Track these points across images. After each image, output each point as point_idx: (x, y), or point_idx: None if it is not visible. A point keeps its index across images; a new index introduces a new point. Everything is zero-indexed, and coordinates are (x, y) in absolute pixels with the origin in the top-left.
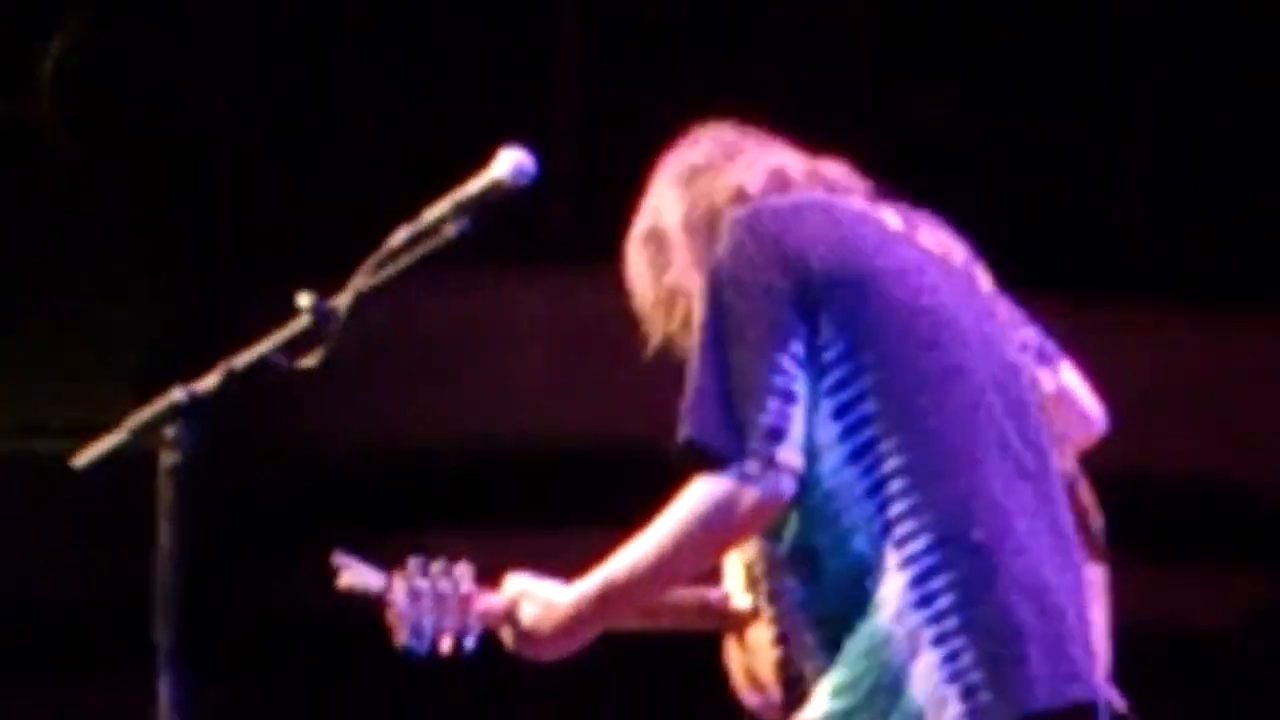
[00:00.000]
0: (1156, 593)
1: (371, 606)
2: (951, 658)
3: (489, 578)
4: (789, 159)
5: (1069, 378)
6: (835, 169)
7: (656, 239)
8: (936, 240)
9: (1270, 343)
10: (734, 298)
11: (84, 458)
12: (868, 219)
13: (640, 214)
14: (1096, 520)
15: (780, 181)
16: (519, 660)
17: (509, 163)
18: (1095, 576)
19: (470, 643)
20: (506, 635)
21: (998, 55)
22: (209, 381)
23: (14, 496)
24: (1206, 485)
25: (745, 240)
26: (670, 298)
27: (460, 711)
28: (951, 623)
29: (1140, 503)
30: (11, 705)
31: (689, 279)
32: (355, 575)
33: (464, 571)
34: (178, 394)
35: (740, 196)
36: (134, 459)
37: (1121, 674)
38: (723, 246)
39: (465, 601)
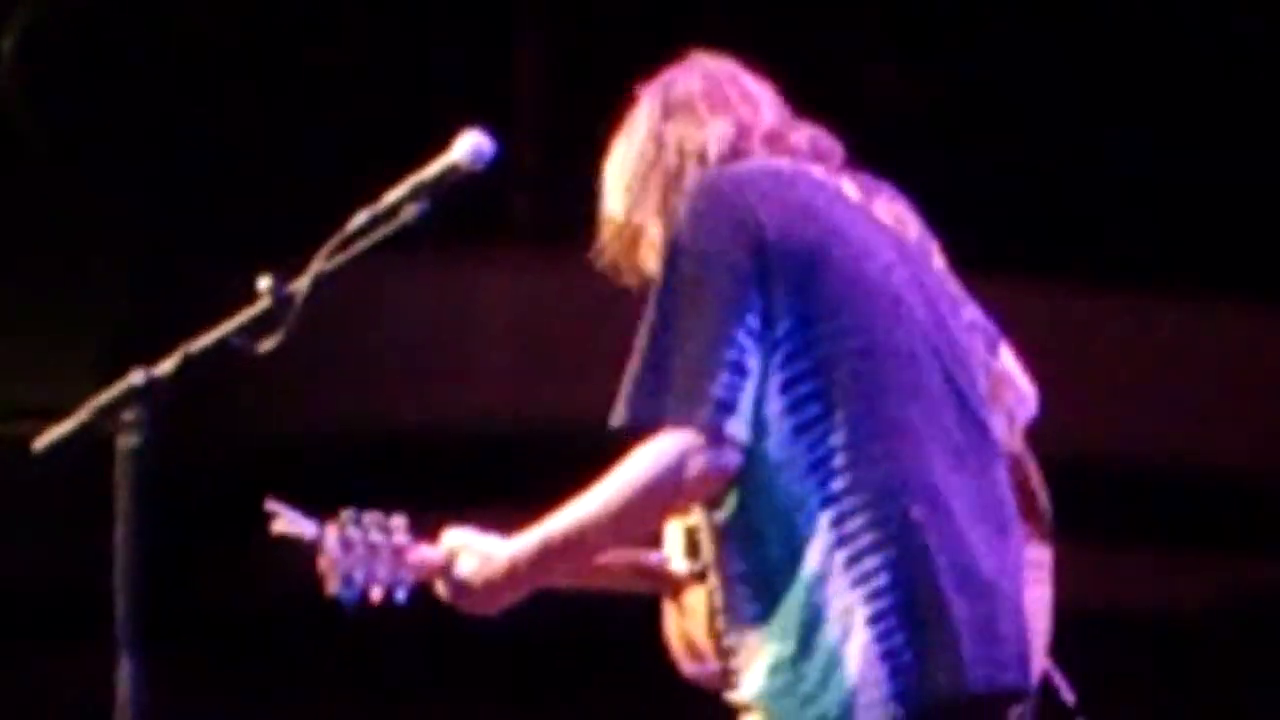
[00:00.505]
0: (1123, 577)
1: (304, 553)
2: (884, 636)
3: (428, 533)
4: (763, 117)
5: (1007, 360)
6: (806, 133)
7: (626, 166)
8: (893, 214)
9: (1237, 327)
10: (691, 266)
11: (44, 441)
12: (826, 190)
13: (620, 135)
14: (1043, 501)
15: (745, 144)
16: (455, 613)
17: (467, 145)
18: (1040, 556)
19: (401, 594)
20: (441, 587)
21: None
22: (167, 365)
23: None
24: (1175, 469)
25: (705, 208)
26: (626, 228)
27: (433, 692)
28: (885, 602)
29: (1106, 486)
30: None
31: (645, 220)
32: (288, 523)
33: (398, 523)
34: (136, 377)
35: (703, 157)
36: (98, 442)
37: (1086, 659)
38: (682, 212)
39: (398, 553)
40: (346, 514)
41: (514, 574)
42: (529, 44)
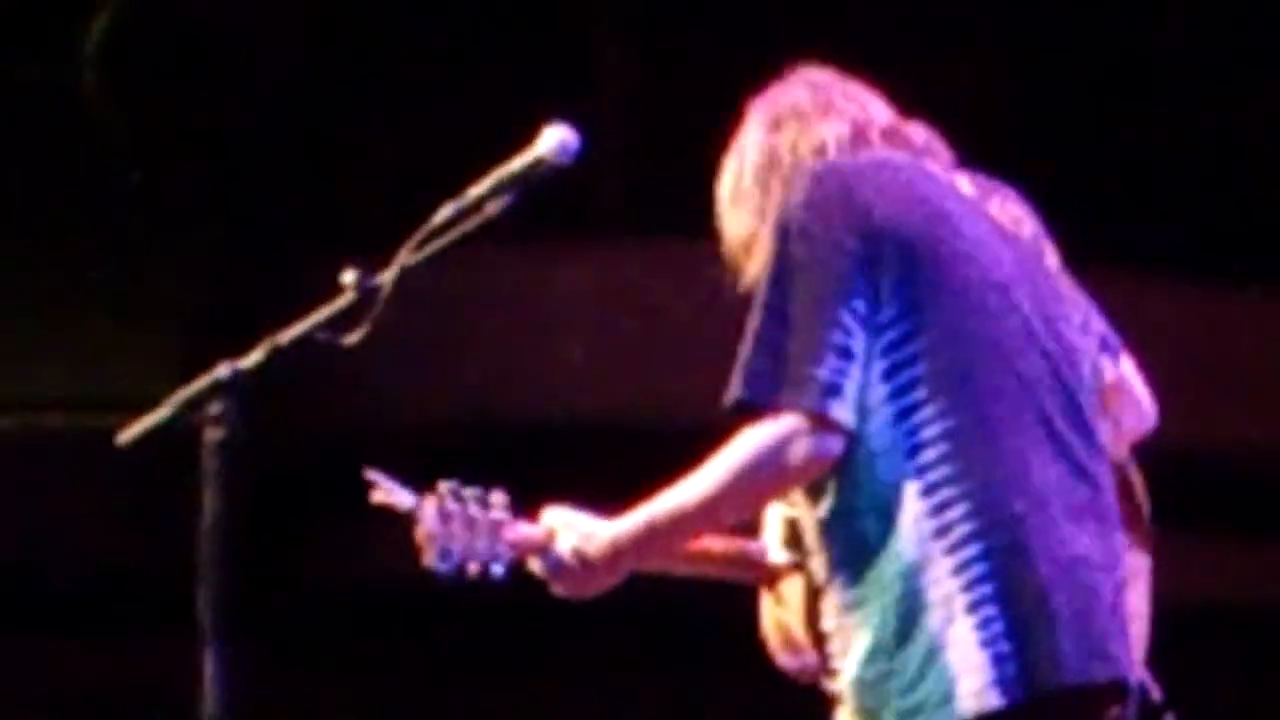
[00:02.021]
0: (1206, 568)
1: (403, 524)
2: (983, 625)
3: (527, 512)
4: (875, 115)
5: (1127, 369)
6: (919, 132)
7: (740, 183)
8: (1008, 213)
9: None
10: (801, 249)
11: (129, 434)
12: (942, 184)
13: (730, 153)
14: (1145, 510)
15: (862, 139)
16: (548, 594)
17: (553, 139)
18: (1139, 564)
19: (499, 570)
20: (537, 566)
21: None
22: (254, 358)
23: (61, 472)
24: (1258, 460)
25: (817, 193)
26: (750, 242)
27: (505, 678)
28: (984, 590)
29: (1192, 478)
30: (59, 675)
31: (762, 226)
32: (387, 493)
33: (498, 499)
34: (223, 370)
35: (822, 151)
36: (182, 434)
37: (1175, 651)
38: (795, 197)
39: (497, 527)
40: (446, 486)
41: (615, 555)
42: (616, 35)
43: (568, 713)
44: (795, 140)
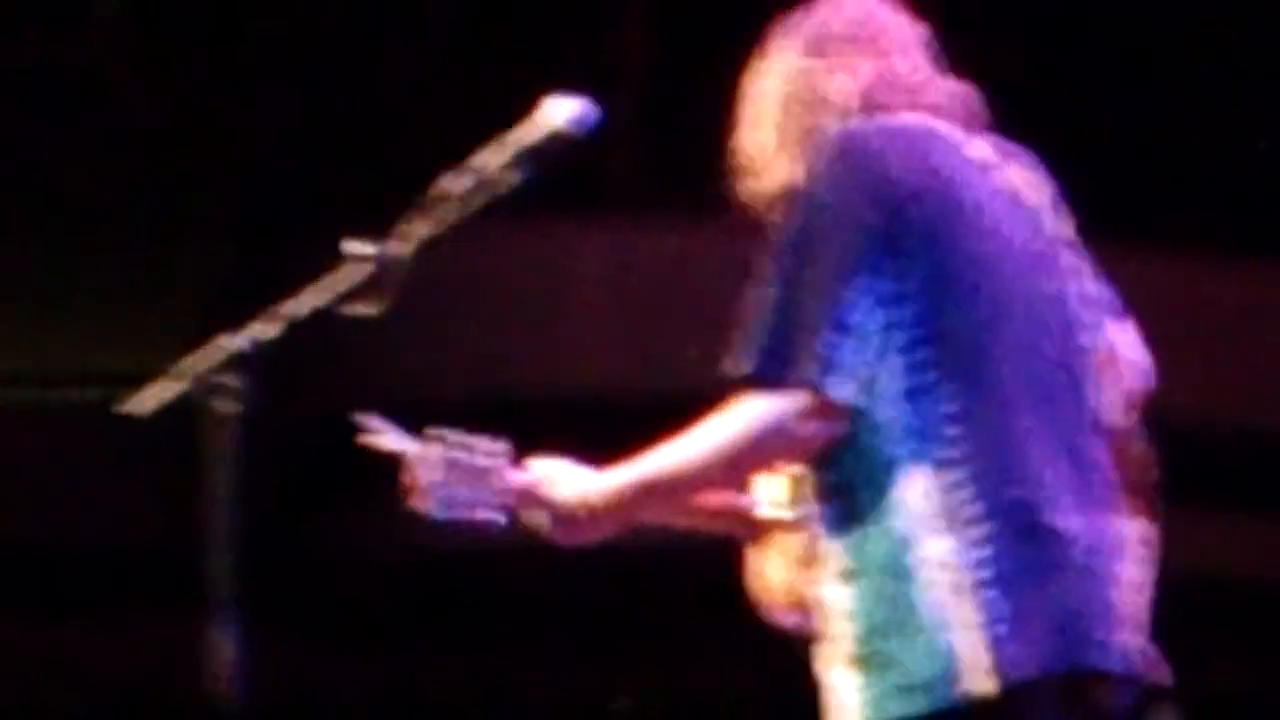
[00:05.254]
0: (1222, 542)
1: (393, 467)
2: (984, 607)
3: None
4: (907, 65)
5: (1127, 334)
6: (949, 88)
7: (763, 100)
8: (1025, 180)
9: None
10: (818, 220)
11: (145, 405)
12: (961, 152)
13: (766, 59)
14: (1147, 477)
15: (886, 96)
16: (541, 542)
17: (569, 111)
18: (1143, 533)
19: (500, 519)
20: (533, 516)
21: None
22: (270, 329)
23: (72, 443)
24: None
25: (838, 164)
26: (755, 163)
27: (519, 653)
28: (986, 573)
29: (1204, 453)
30: (72, 649)
31: (778, 155)
32: (382, 437)
33: (502, 448)
34: (239, 341)
35: (845, 106)
36: (195, 407)
37: (1182, 625)
38: (815, 166)
39: (498, 476)
40: (453, 436)
41: (611, 506)
42: (629, 10)
43: (580, 686)
44: (822, 78)
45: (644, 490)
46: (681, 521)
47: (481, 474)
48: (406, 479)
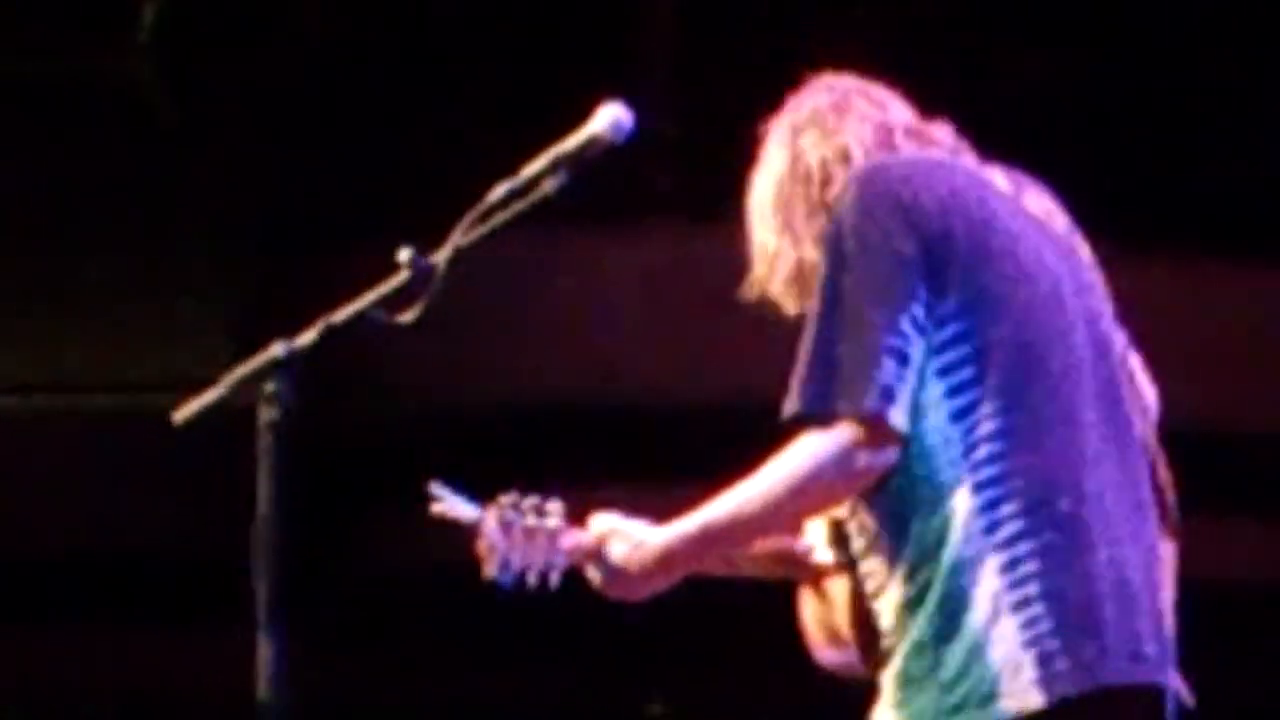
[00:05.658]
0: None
1: (465, 537)
2: (1030, 624)
3: (577, 519)
4: (897, 116)
5: (1135, 361)
6: (942, 131)
7: (764, 196)
8: (1041, 207)
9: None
10: (857, 254)
11: (185, 412)
12: (983, 181)
13: (756, 167)
14: (1170, 499)
15: (888, 140)
16: (601, 598)
17: (608, 118)
18: (1167, 554)
19: (555, 578)
20: (592, 572)
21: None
22: (307, 336)
23: (116, 450)
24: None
25: (867, 196)
26: (773, 257)
27: (552, 667)
28: (1033, 589)
29: (1209, 460)
30: (107, 657)
31: (797, 241)
32: (449, 505)
33: (554, 508)
34: (277, 349)
35: (846, 157)
36: (237, 413)
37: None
38: (846, 202)
39: (553, 537)
40: (506, 499)
41: (669, 560)
42: (666, 15)
43: (614, 695)
44: (818, 147)
45: (706, 541)
46: (737, 571)
47: (537, 535)
48: (479, 548)
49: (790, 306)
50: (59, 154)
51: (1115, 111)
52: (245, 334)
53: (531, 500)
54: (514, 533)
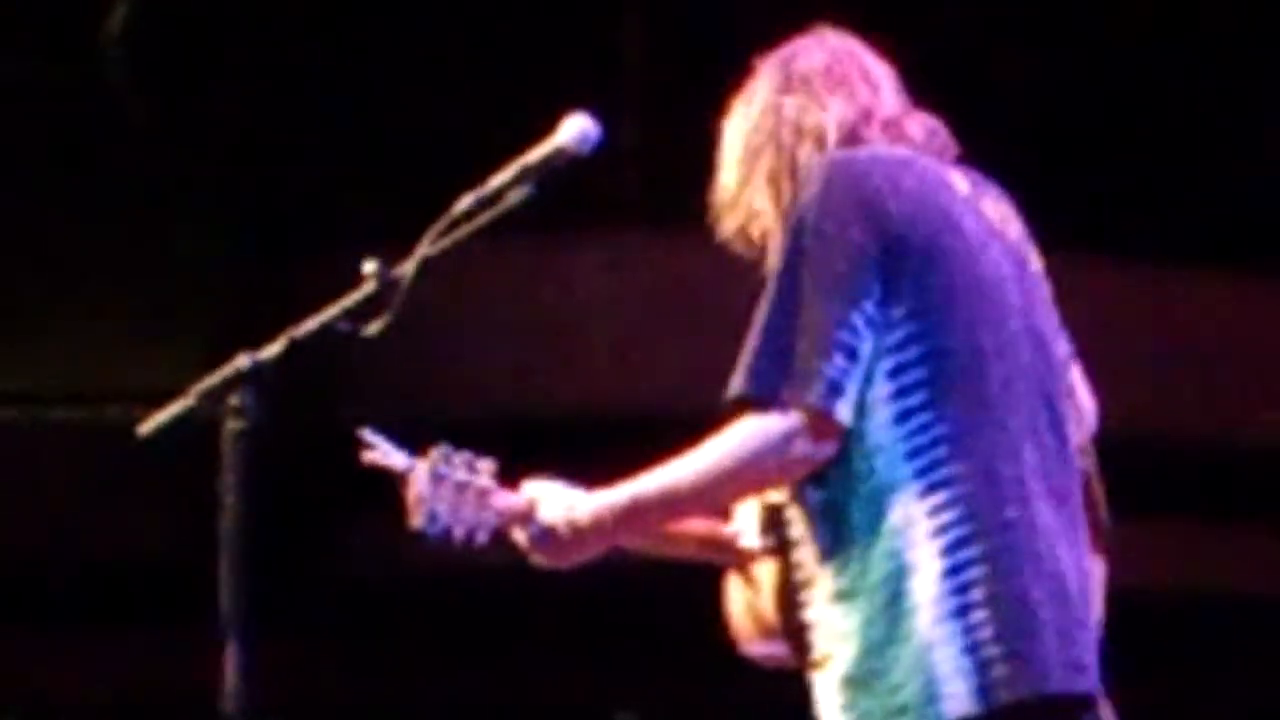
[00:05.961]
0: (1209, 555)
1: (397, 486)
2: (971, 629)
3: (510, 484)
4: (884, 101)
5: (1075, 373)
6: (923, 122)
7: (741, 137)
8: (999, 213)
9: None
10: (815, 247)
11: (150, 424)
12: (944, 183)
13: (737, 103)
14: (1101, 514)
15: (863, 129)
16: (528, 564)
17: (574, 129)
18: (1097, 571)
19: (482, 536)
20: (519, 536)
21: None
22: (273, 349)
23: (83, 461)
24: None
25: (833, 190)
26: (738, 201)
27: (529, 667)
28: (976, 595)
29: (1155, 464)
30: (78, 663)
31: (755, 194)
32: (382, 453)
33: (485, 466)
34: (243, 361)
35: (820, 139)
36: (209, 425)
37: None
38: (809, 192)
39: (483, 495)
40: (438, 451)
41: (599, 527)
42: (635, 26)
43: (584, 699)
44: (800, 113)
45: (637, 512)
46: (664, 549)
47: (467, 491)
48: (408, 498)
49: (741, 248)
50: (27, 167)
51: (1083, 121)
52: (218, 346)
53: (465, 455)
54: (444, 486)
